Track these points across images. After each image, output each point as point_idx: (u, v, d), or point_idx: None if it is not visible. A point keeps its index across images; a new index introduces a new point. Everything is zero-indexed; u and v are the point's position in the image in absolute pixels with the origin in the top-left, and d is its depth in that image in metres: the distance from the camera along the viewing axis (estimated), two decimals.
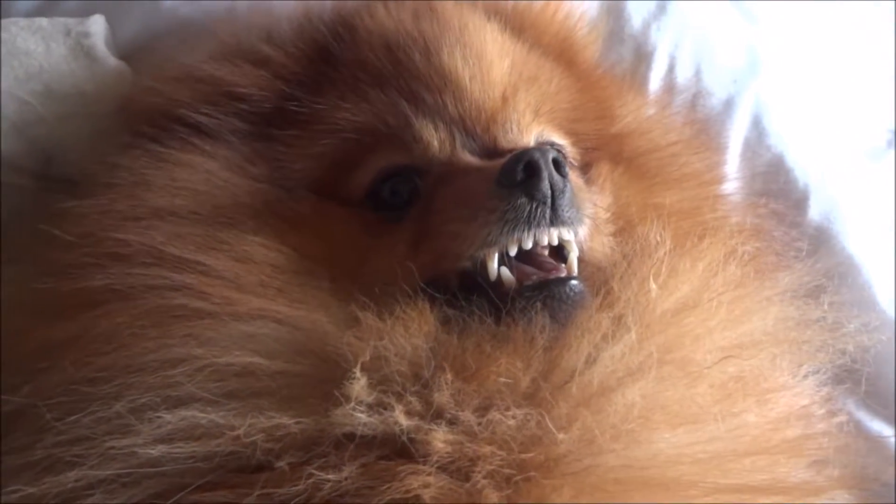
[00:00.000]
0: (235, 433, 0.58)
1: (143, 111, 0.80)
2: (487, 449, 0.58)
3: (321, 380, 0.61)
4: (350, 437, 0.59)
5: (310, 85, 0.80)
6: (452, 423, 0.59)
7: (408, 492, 0.56)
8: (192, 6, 0.95)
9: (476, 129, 0.77)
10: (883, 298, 0.99)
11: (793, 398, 0.72)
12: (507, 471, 0.58)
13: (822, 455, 0.70)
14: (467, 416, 0.59)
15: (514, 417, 0.59)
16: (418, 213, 0.72)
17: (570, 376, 0.62)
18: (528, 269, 0.68)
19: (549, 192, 0.67)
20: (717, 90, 1.06)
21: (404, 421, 0.59)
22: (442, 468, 0.58)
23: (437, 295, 0.67)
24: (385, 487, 0.56)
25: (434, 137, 0.75)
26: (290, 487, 0.57)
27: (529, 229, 0.67)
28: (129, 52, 0.93)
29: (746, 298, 0.72)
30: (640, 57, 1.05)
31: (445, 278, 0.69)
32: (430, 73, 0.77)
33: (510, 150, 0.74)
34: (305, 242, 0.71)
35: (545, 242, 0.69)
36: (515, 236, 0.67)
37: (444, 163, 0.75)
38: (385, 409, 0.59)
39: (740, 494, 0.61)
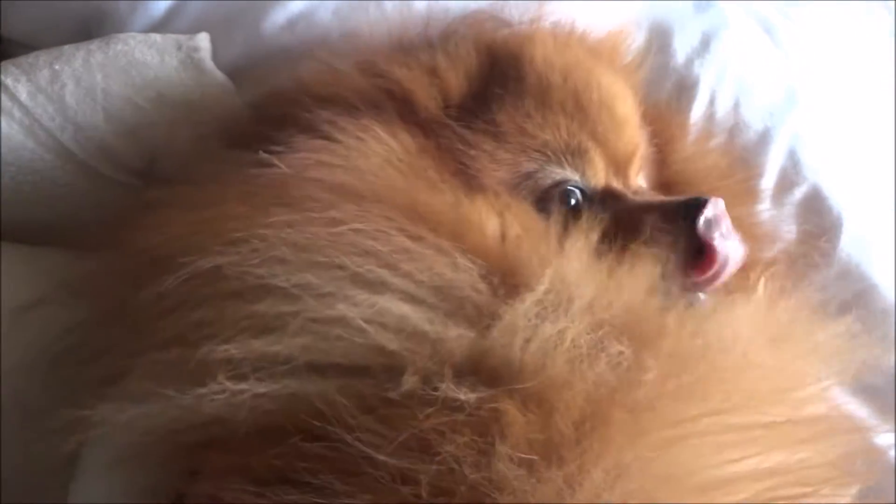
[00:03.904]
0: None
1: (316, 95, 0.83)
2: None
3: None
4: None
5: (481, 98, 0.86)
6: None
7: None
8: (290, 34, 1.01)
9: (621, 167, 0.88)
10: None
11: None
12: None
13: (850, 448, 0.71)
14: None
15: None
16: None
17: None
18: None
19: None
20: (754, 123, 1.10)
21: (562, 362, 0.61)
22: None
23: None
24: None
25: (601, 167, 0.86)
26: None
27: None
28: (231, 72, 0.99)
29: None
30: (683, 89, 1.10)
31: None
32: (605, 117, 0.87)
33: (636, 191, 0.87)
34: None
35: None
36: None
37: (613, 190, 0.85)
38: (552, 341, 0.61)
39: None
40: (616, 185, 0.87)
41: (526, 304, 0.64)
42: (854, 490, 0.70)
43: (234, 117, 0.92)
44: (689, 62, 1.13)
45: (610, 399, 0.59)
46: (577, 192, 0.84)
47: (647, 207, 0.83)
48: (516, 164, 0.83)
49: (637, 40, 1.11)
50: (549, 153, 0.84)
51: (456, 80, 0.86)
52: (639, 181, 0.93)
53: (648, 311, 0.65)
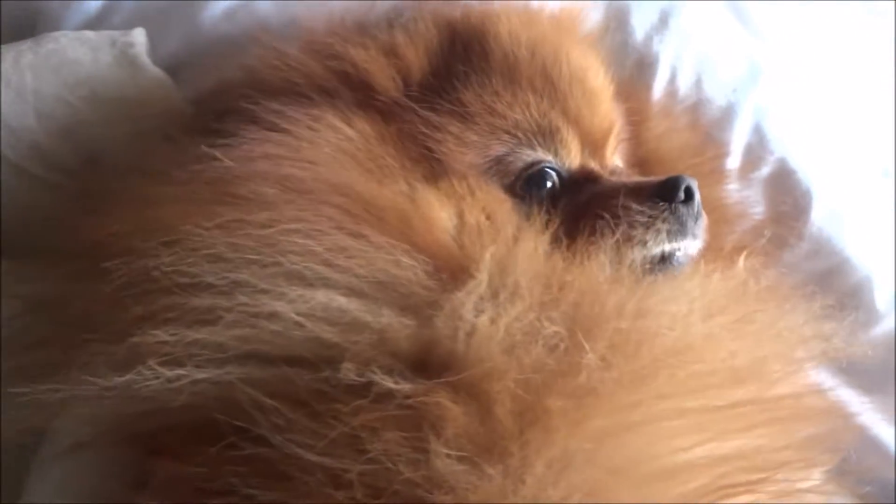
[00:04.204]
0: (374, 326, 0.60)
1: (265, 85, 0.80)
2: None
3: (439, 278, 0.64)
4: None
5: (444, 76, 0.83)
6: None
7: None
8: (230, 25, 0.98)
9: (597, 146, 0.86)
10: (880, 300, 0.99)
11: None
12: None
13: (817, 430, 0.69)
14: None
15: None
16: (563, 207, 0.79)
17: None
18: None
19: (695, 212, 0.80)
20: (717, 98, 1.07)
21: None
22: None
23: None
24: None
25: (576, 147, 0.83)
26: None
27: (685, 238, 0.78)
28: (169, 66, 0.96)
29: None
30: (643, 67, 1.07)
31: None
32: (576, 91, 0.84)
33: (612, 170, 0.86)
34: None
35: (688, 249, 0.80)
36: (678, 241, 0.78)
37: (589, 171, 0.84)
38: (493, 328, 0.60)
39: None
40: (592, 165, 0.85)
41: (468, 294, 0.61)
42: (823, 470, 0.68)
43: (174, 113, 0.89)
44: (648, 39, 1.09)
45: (550, 386, 0.56)
46: (553, 173, 0.82)
47: (624, 189, 0.80)
48: (486, 146, 0.80)
49: (594, 18, 1.08)
50: (520, 134, 0.81)
51: (416, 59, 0.83)
52: (615, 160, 0.90)
53: (591, 295, 0.63)
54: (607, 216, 0.76)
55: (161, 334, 0.60)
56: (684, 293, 0.67)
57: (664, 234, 0.78)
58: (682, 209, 0.78)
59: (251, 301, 0.61)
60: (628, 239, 0.75)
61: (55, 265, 0.76)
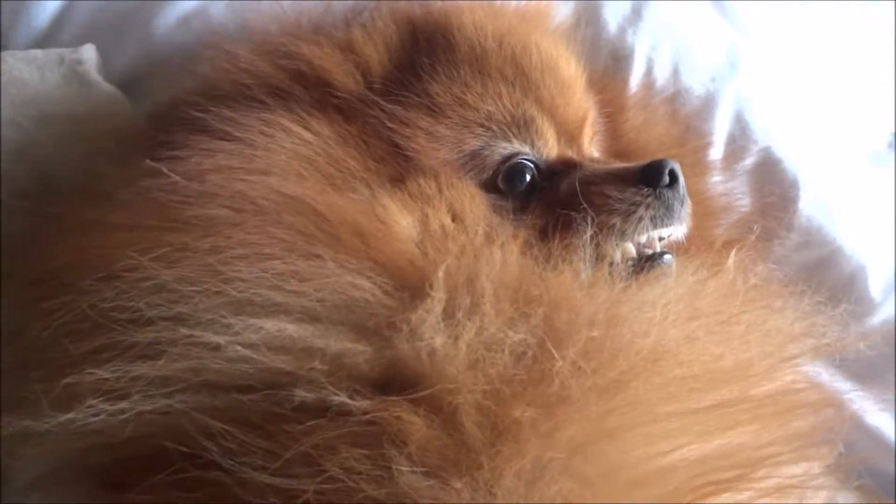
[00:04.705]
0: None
1: (216, 91, 0.78)
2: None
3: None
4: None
5: (409, 69, 0.80)
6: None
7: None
8: (185, 34, 0.96)
9: (573, 136, 0.84)
10: (875, 289, 0.97)
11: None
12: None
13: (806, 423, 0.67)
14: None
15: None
16: (544, 199, 0.77)
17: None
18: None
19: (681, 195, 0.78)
20: (696, 88, 1.04)
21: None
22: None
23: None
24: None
25: (552, 137, 0.81)
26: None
27: (672, 223, 0.76)
28: (125, 81, 0.93)
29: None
30: (618, 60, 1.04)
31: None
32: (549, 80, 0.81)
33: (592, 160, 0.83)
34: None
35: (674, 234, 0.78)
36: (664, 227, 0.76)
37: (569, 159, 0.81)
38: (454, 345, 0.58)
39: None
40: (570, 154, 0.82)
41: (426, 313, 0.59)
42: (821, 464, 0.65)
43: (127, 129, 0.86)
44: (622, 31, 1.07)
45: (519, 395, 0.53)
46: (531, 165, 0.79)
47: (604, 175, 0.78)
48: (459, 141, 0.77)
49: (564, 13, 1.05)
50: (494, 127, 0.78)
51: (375, 53, 0.80)
52: (592, 151, 0.87)
53: (564, 304, 0.60)
54: (584, 206, 0.73)
55: (101, 372, 0.57)
56: (661, 298, 0.63)
57: (647, 222, 0.75)
58: (668, 193, 0.76)
59: (195, 333, 0.58)
60: (605, 228, 0.72)
61: (11, 294, 0.73)
